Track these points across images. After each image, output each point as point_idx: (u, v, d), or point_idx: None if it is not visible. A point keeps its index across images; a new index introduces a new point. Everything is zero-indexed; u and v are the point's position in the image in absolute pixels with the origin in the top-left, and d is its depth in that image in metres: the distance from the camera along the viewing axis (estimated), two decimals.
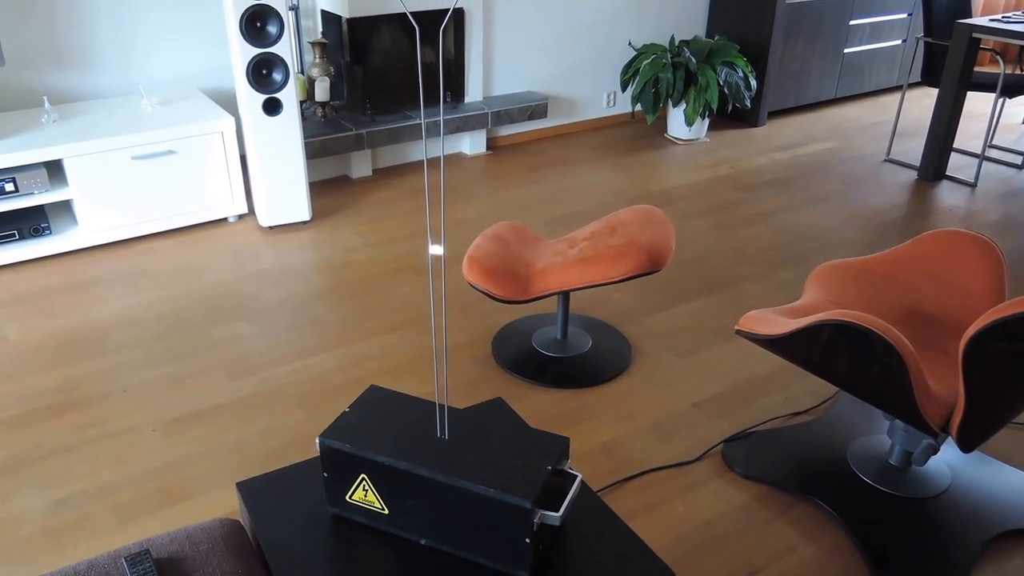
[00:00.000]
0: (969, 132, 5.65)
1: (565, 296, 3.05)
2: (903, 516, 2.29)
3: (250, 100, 3.77)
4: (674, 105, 5.30)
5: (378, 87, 4.72)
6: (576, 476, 1.53)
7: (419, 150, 5.05)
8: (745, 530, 2.30)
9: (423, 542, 1.54)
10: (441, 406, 1.61)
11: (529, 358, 3.03)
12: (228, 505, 2.37)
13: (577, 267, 2.79)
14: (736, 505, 2.39)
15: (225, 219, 4.16)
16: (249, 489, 1.68)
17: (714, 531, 2.30)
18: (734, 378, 2.97)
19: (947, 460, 2.50)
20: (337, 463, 1.55)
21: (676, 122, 5.45)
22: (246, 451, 2.58)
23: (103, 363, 3.02)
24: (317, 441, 1.57)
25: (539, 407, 2.79)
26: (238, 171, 4.03)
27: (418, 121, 4.62)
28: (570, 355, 3.04)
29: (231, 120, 3.93)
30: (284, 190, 4.00)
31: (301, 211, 4.08)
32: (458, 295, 3.51)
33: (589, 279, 2.76)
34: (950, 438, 2.59)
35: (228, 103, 4.36)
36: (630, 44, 5.63)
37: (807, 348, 2.14)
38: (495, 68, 5.18)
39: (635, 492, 2.43)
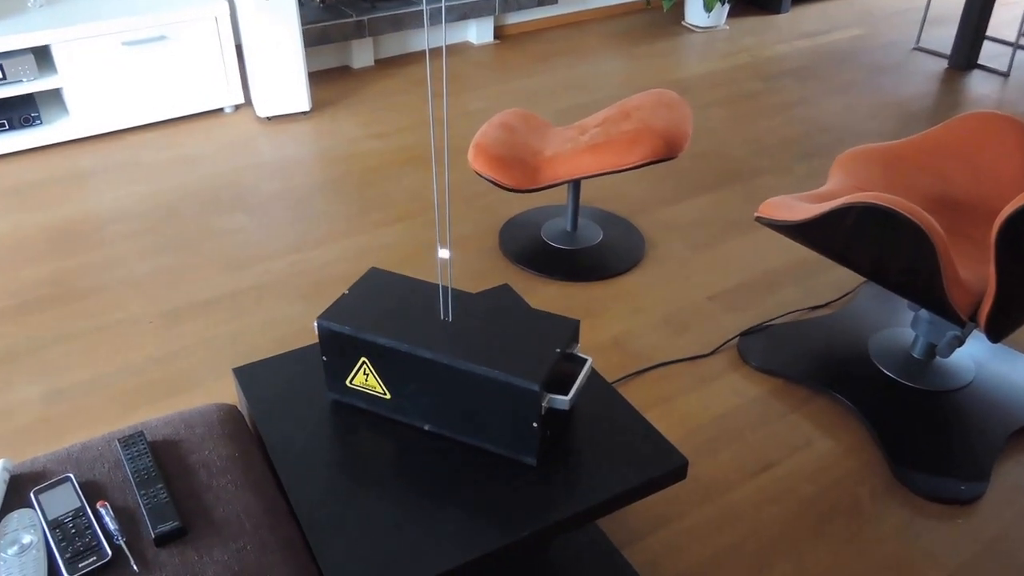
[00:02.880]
0: (1003, 19, 5.47)
1: (575, 185, 2.99)
2: (925, 409, 2.27)
3: None
4: None
5: None
6: (586, 360, 1.50)
7: (423, 39, 4.92)
8: (760, 424, 2.28)
9: (426, 427, 1.52)
10: (444, 287, 1.57)
11: (538, 250, 2.99)
12: (228, 396, 2.36)
13: (588, 154, 2.73)
14: (751, 399, 2.37)
15: (221, 109, 4.08)
16: (246, 374, 1.66)
17: (728, 425, 2.28)
18: (750, 271, 2.93)
19: (971, 353, 2.46)
20: (336, 346, 1.52)
21: (694, 8, 5.29)
22: (246, 342, 2.57)
23: (97, 256, 2.99)
24: (316, 324, 1.53)
25: (548, 300, 2.76)
26: (233, 59, 3.93)
27: (421, 7, 4.48)
28: (580, 247, 3.01)
29: (224, 4, 3.81)
30: (282, 79, 3.90)
31: (300, 101, 3.99)
32: (464, 185, 3.46)
33: (601, 166, 2.71)
34: (975, 331, 2.56)
35: None
36: None
37: (831, 234, 2.08)
38: None
39: (647, 385, 2.41)
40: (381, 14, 4.43)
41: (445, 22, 4.86)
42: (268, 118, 4.02)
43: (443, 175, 3.59)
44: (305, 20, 4.23)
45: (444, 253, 1.49)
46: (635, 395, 2.38)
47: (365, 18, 4.39)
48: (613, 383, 2.41)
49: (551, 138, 2.95)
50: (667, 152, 2.68)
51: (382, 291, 1.59)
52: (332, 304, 1.55)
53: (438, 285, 1.60)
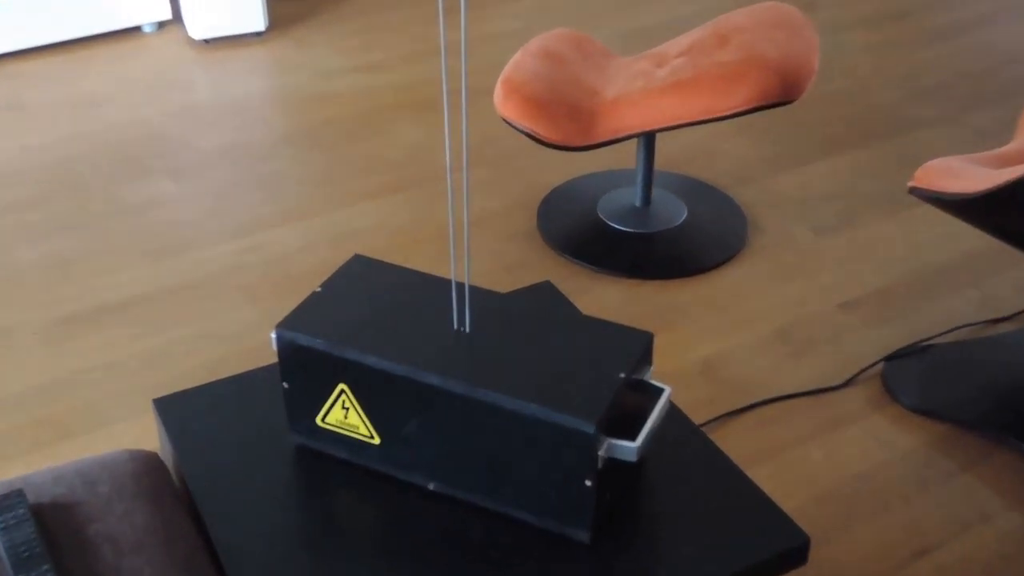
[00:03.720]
0: None
1: (649, 141, 3.00)
2: None
3: None
4: None
5: None
6: (663, 391, 1.50)
7: None
8: (915, 489, 2.28)
9: (431, 486, 1.52)
10: (460, 284, 1.57)
11: (593, 234, 3.00)
12: (145, 440, 2.38)
13: (668, 95, 2.73)
14: (902, 452, 2.36)
15: (138, 28, 4.12)
16: (172, 409, 1.67)
17: (868, 488, 2.28)
18: (901, 267, 2.93)
19: None
20: (303, 367, 1.52)
21: None
22: (169, 365, 2.59)
23: None
24: (273, 335, 1.54)
25: (607, 304, 2.77)
26: None
27: None
28: (655, 231, 3.01)
29: None
30: None
31: (253, 17, 4.03)
32: (489, 140, 3.47)
33: (686, 114, 2.71)
34: None
35: None
36: None
37: (1020, 213, 2.07)
38: None
39: (750, 429, 2.41)
40: None
41: None
42: (206, 41, 4.06)
43: (459, 125, 3.61)
44: None
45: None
46: (734, 443, 2.38)
47: None
48: (701, 425, 2.40)
49: (614, 72, 2.95)
50: (782, 93, 2.68)
51: (370, 288, 1.59)
52: (298, 307, 1.55)
53: (450, 281, 1.60)
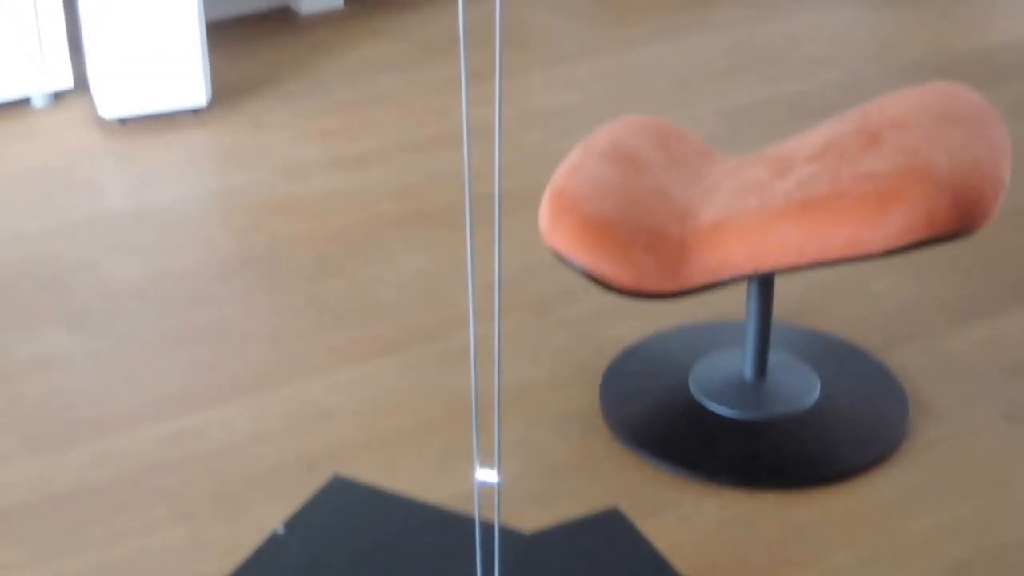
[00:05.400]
0: None
1: (764, 285, 3.00)
2: None
3: None
4: None
5: None
6: None
7: None
8: None
9: None
10: (488, 526, 1.57)
11: (683, 420, 3.01)
12: None
13: (793, 220, 2.74)
14: None
15: (26, 101, 4.19)
16: None
17: None
18: None
19: None
20: None
21: None
22: None
23: None
24: None
25: (701, 529, 2.75)
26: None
27: None
28: (773, 416, 3.02)
29: None
30: (154, 41, 4.02)
31: (190, 86, 4.09)
32: (531, 275, 3.49)
33: (818, 250, 2.71)
34: None
35: None
36: None
37: None
38: None
39: None
40: None
41: None
42: (121, 121, 4.12)
43: (486, 250, 3.60)
44: None
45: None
46: None
47: None
48: None
49: (715, 182, 2.97)
50: (957, 221, 2.67)
51: (354, 532, 1.59)
52: (248, 559, 1.55)
53: (474, 521, 1.60)
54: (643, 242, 2.77)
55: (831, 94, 4.30)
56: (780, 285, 3.47)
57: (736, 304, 3.38)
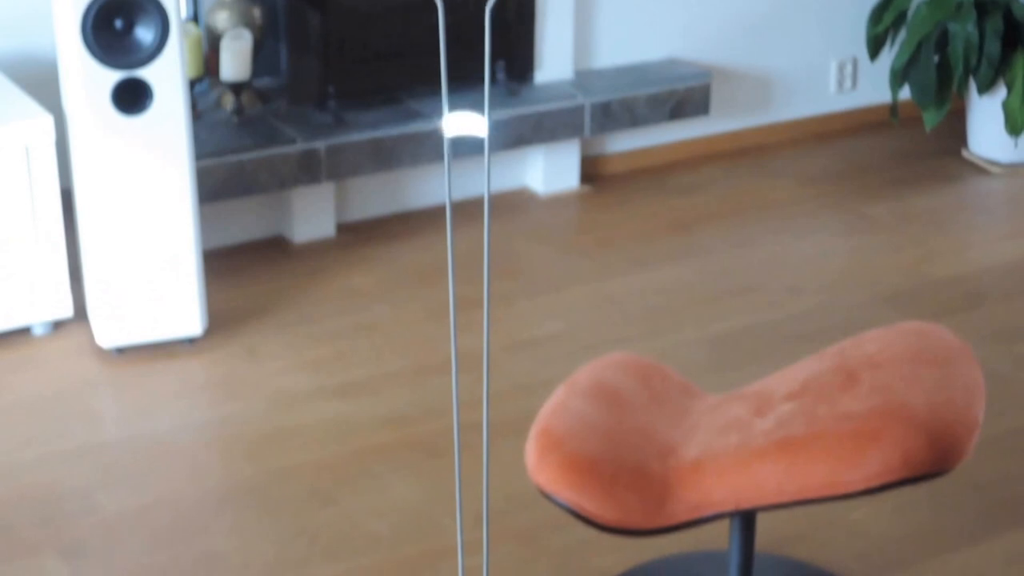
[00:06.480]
0: None
1: (746, 522, 3.02)
2: None
3: (89, 81, 3.84)
4: (981, 91, 5.29)
5: (351, 52, 4.79)
6: None
7: (433, 185, 5.07)
8: None
9: None
10: None
11: None
12: None
13: (772, 459, 2.75)
14: None
15: (26, 330, 4.21)
16: None
17: None
18: None
19: None
20: None
21: (985, 127, 5.46)
22: None
23: None
24: None
25: None
26: (59, 228, 4.11)
27: (434, 122, 4.64)
28: None
29: (48, 121, 4.02)
30: (151, 272, 4.05)
31: (186, 317, 4.12)
32: (520, 506, 3.49)
33: (796, 488, 2.73)
34: None
35: (43, 87, 4.41)
36: None
37: None
38: (598, 13, 5.24)
39: None
40: (353, 137, 4.61)
41: (489, 153, 5.03)
42: (119, 350, 4.14)
43: (477, 481, 3.60)
44: (203, 149, 4.38)
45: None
46: None
47: (321, 144, 4.57)
48: None
49: (697, 420, 3.00)
50: (932, 461, 2.69)
51: None
52: None
53: None
54: (626, 480, 2.79)
55: (811, 321, 4.34)
56: (764, 522, 3.48)
57: (721, 532, 3.40)
